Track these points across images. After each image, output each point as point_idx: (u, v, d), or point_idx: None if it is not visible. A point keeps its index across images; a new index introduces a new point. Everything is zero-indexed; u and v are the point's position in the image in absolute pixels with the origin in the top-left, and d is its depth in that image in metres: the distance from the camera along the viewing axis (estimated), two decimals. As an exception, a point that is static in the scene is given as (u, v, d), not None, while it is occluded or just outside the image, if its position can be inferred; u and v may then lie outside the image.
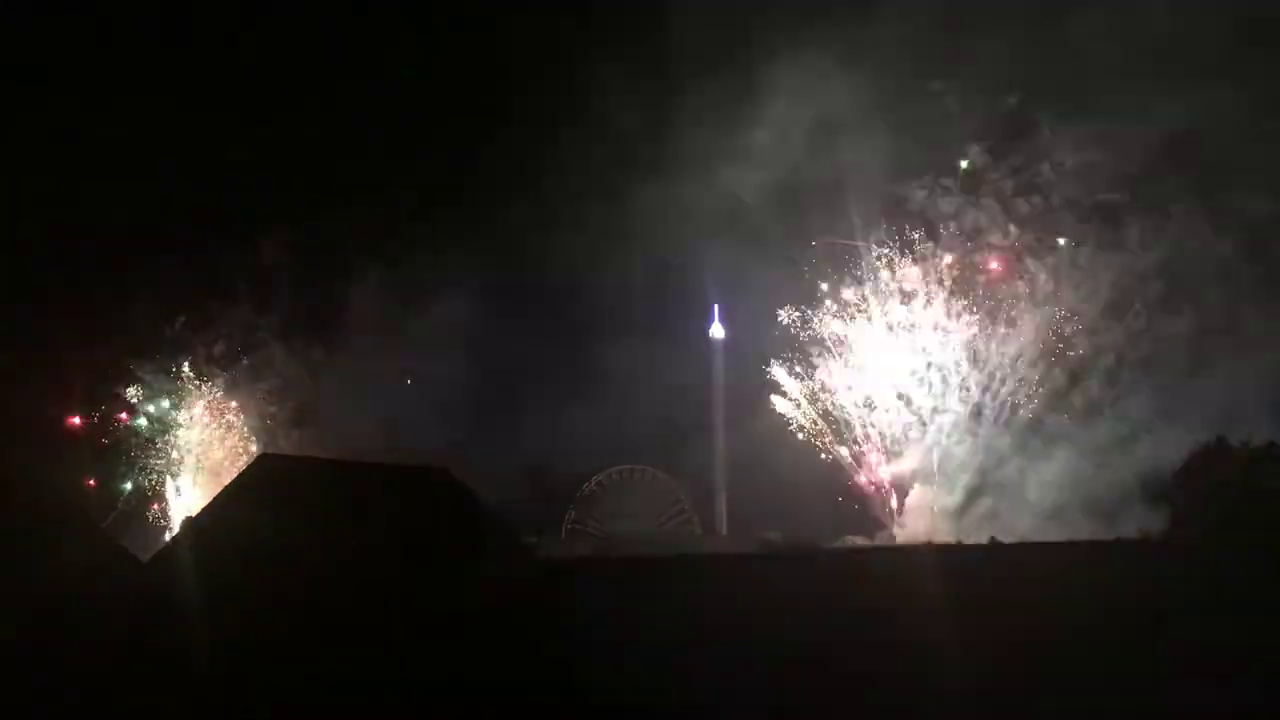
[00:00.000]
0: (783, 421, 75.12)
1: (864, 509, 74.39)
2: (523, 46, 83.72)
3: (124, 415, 74.04)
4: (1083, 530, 56.41)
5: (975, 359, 72.39)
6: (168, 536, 65.30)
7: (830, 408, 74.56)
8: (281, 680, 29.35)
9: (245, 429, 75.22)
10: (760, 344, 76.67)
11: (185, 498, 73.17)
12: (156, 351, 74.08)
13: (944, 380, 72.89)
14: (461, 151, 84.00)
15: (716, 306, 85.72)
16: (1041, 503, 64.83)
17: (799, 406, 74.84)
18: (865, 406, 73.87)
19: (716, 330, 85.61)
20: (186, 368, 74.37)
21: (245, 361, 75.34)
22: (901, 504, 73.11)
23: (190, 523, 39.31)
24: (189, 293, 74.19)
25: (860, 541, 71.30)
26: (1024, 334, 71.43)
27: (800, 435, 74.58)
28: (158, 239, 71.66)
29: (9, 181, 67.00)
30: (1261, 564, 30.29)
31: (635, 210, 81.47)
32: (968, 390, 72.26)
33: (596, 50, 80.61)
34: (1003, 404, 71.63)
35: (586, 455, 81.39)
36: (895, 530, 72.77)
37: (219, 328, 74.89)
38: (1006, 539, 59.24)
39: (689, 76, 77.96)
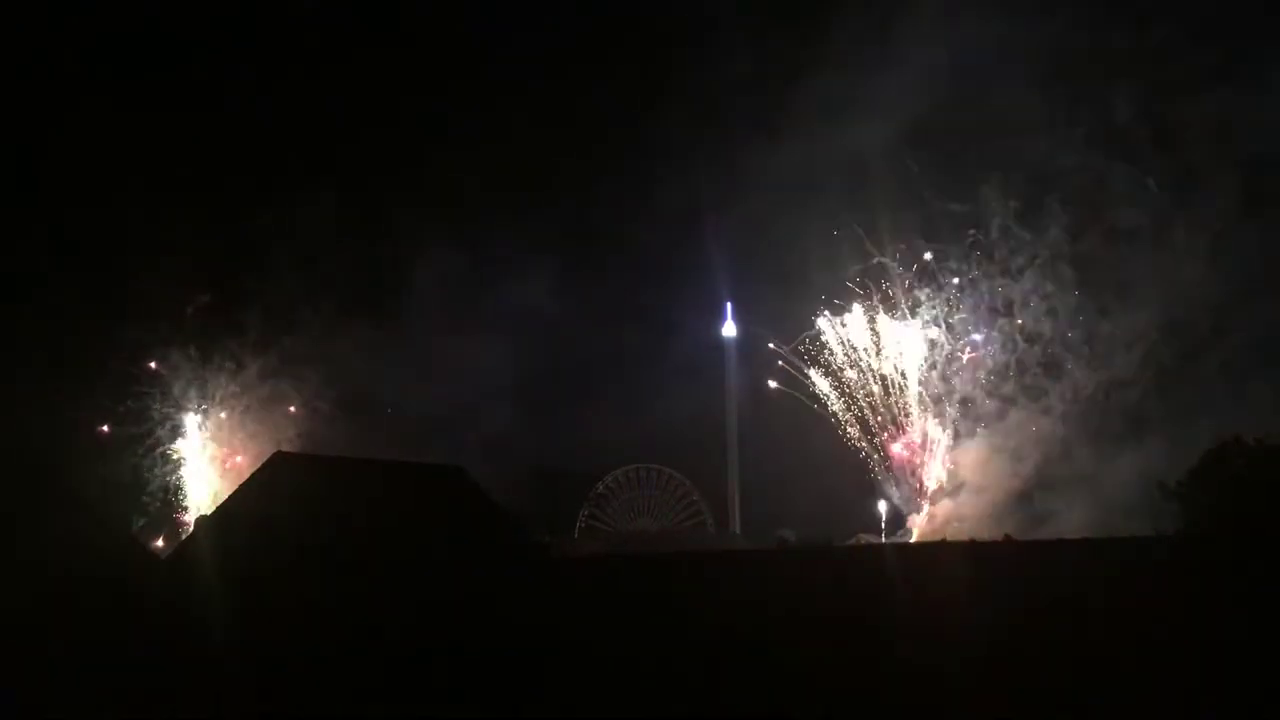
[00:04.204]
0: (802, 415, 73.92)
1: (879, 506, 73.82)
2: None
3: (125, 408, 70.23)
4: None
5: (1088, 336, 66.62)
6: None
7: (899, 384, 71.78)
8: (295, 673, 29.57)
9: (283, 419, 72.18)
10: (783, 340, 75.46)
11: (208, 493, 71.36)
12: (180, 333, 69.97)
13: (1043, 355, 67.83)
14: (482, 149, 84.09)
15: (730, 305, 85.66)
16: (1114, 497, 59.05)
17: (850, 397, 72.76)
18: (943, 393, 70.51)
19: (729, 329, 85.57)
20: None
21: (286, 341, 71.76)
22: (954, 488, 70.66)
23: (205, 521, 39.63)
24: (219, 264, 69.95)
25: (874, 539, 71.18)
26: (1142, 309, 64.22)
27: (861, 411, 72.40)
28: (182, 200, 67.29)
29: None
30: (1275, 561, 30.15)
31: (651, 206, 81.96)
32: (1065, 368, 67.15)
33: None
34: (1099, 385, 66.31)
35: (601, 453, 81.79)
36: (917, 523, 72.07)
37: (252, 305, 70.97)
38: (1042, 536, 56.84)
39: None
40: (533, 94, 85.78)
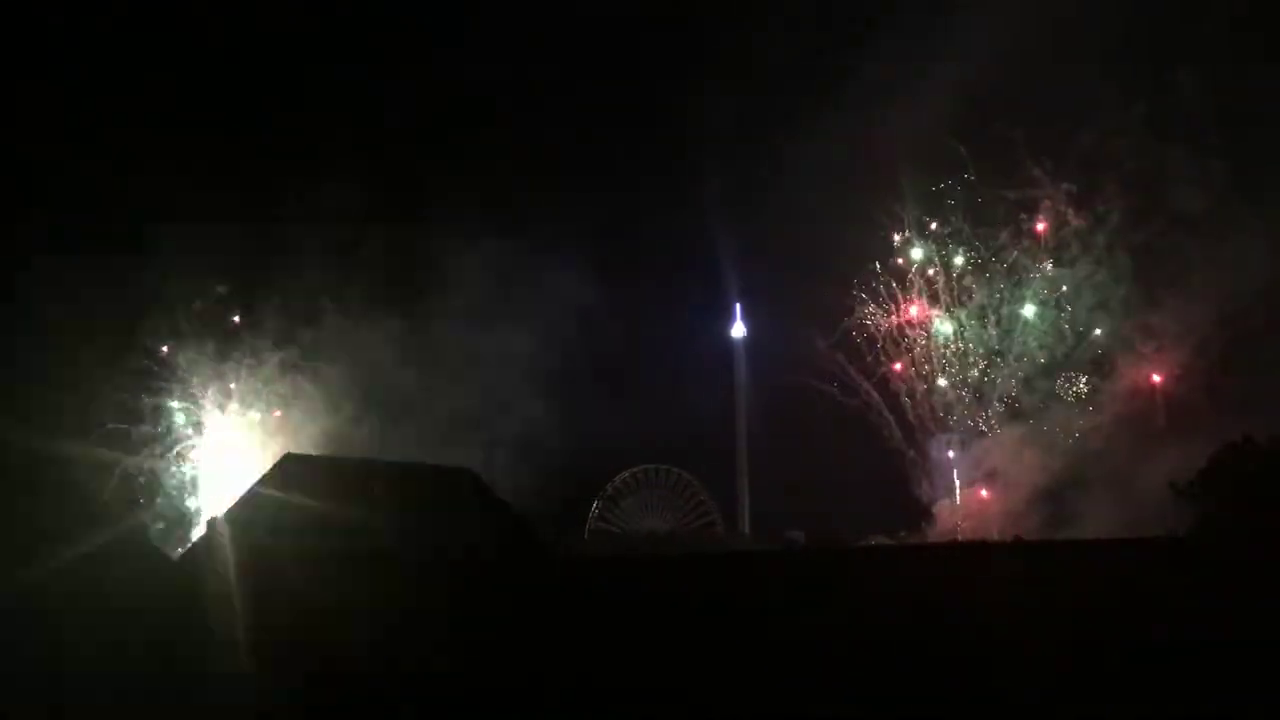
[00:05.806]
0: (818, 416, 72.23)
1: (890, 506, 73.12)
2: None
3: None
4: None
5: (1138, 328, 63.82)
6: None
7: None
8: (301, 674, 29.85)
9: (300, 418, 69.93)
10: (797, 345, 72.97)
11: (225, 493, 71.07)
12: (198, 327, 67.49)
13: (1090, 348, 66.01)
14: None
15: (739, 305, 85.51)
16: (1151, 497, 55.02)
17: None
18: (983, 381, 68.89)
19: (738, 330, 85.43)
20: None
21: (308, 337, 69.07)
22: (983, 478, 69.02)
23: (216, 522, 39.98)
24: (238, 256, 66.84)
25: (884, 540, 70.92)
26: (1197, 300, 60.93)
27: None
28: (201, 192, 63.98)
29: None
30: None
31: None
32: (1112, 361, 65.14)
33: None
34: (1145, 379, 63.83)
35: (610, 453, 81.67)
36: (938, 520, 71.26)
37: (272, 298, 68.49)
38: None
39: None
40: (541, 93, 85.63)
